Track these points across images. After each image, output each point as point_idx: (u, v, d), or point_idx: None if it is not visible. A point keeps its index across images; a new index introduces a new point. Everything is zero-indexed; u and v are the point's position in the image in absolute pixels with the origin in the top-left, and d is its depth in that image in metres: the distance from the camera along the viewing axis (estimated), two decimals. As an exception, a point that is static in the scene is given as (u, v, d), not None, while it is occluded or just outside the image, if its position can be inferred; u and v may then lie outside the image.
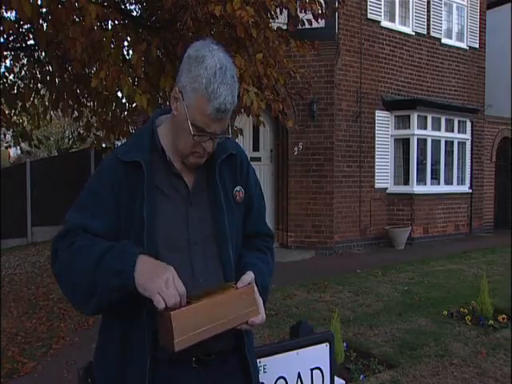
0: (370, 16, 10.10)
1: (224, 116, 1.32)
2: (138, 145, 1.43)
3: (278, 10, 5.51)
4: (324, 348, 1.97)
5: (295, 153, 9.50)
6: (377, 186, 10.43)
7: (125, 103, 6.36)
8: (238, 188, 1.51)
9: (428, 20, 11.26)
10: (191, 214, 1.42)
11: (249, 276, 1.37)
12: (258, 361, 1.65)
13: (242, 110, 5.12)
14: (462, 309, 5.35)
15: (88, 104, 6.88)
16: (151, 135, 1.44)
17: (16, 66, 6.75)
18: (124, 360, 1.36)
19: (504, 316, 5.10)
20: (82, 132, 7.27)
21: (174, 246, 1.38)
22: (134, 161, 1.37)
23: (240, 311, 1.32)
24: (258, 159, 9.64)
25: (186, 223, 1.41)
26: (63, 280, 1.34)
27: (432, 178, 11.02)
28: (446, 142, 11.29)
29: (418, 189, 10.61)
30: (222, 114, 1.31)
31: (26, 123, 7.26)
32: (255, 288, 1.38)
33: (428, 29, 11.28)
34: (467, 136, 11.97)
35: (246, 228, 1.55)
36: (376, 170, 10.40)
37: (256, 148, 9.75)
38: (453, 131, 11.48)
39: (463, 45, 12.16)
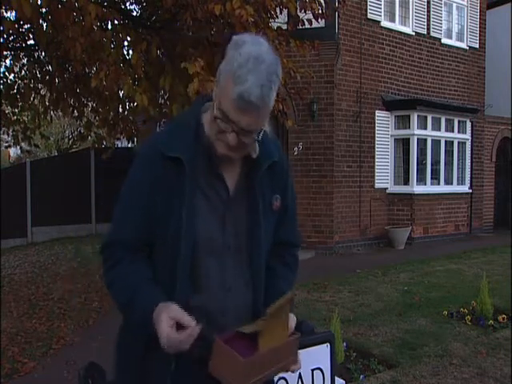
0: (369, 16, 10.10)
1: (249, 108, 1.20)
2: (181, 138, 1.34)
3: (277, 10, 5.51)
4: (325, 348, 1.96)
5: (295, 153, 9.50)
6: (377, 185, 10.42)
7: (126, 102, 6.36)
8: (276, 196, 1.44)
9: (428, 20, 11.26)
10: (228, 219, 1.37)
11: (293, 322, 1.38)
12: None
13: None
14: (462, 309, 5.35)
15: (89, 103, 6.88)
16: (196, 128, 1.35)
17: (16, 66, 6.75)
18: (145, 358, 1.36)
19: (504, 316, 5.09)
20: (82, 131, 7.27)
21: (210, 249, 1.35)
22: (174, 156, 1.30)
23: (286, 359, 1.35)
24: (258, 159, 9.62)
25: (222, 227, 1.37)
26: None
27: (432, 178, 11.02)
28: (445, 142, 11.29)
29: (417, 189, 10.61)
30: (246, 104, 1.19)
31: (27, 122, 7.25)
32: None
33: (428, 29, 11.28)
34: (467, 136, 11.96)
35: (278, 236, 1.50)
36: (376, 170, 10.39)
37: (256, 148, 9.73)
38: (453, 131, 11.48)
39: (463, 45, 12.16)
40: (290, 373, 1.43)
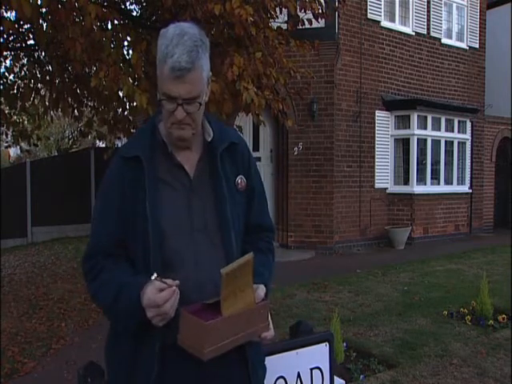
0: (369, 16, 10.10)
1: (182, 75, 1.30)
2: (139, 140, 1.47)
3: (277, 10, 5.51)
4: (323, 348, 1.96)
5: (295, 153, 9.50)
6: (377, 185, 10.42)
7: (126, 102, 6.36)
8: (240, 177, 1.53)
9: (428, 20, 11.26)
10: (194, 202, 1.45)
11: (262, 291, 1.42)
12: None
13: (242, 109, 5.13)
14: (462, 309, 5.35)
15: (88, 103, 6.88)
16: (152, 130, 1.48)
17: (16, 66, 6.74)
18: (136, 347, 1.39)
19: (504, 316, 5.10)
20: (83, 129, 7.28)
21: (178, 232, 1.41)
22: (134, 156, 1.41)
23: (256, 325, 1.37)
24: (258, 159, 9.63)
25: (189, 211, 1.44)
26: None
27: (432, 178, 11.02)
28: (445, 141, 11.29)
29: (417, 189, 10.61)
30: (178, 72, 1.29)
31: (25, 122, 7.25)
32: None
33: (428, 29, 11.28)
34: (467, 136, 11.96)
35: (248, 219, 1.56)
36: (376, 170, 10.39)
37: (256, 148, 9.74)
38: (453, 131, 11.48)
39: (463, 45, 12.16)
40: (286, 371, 1.42)
